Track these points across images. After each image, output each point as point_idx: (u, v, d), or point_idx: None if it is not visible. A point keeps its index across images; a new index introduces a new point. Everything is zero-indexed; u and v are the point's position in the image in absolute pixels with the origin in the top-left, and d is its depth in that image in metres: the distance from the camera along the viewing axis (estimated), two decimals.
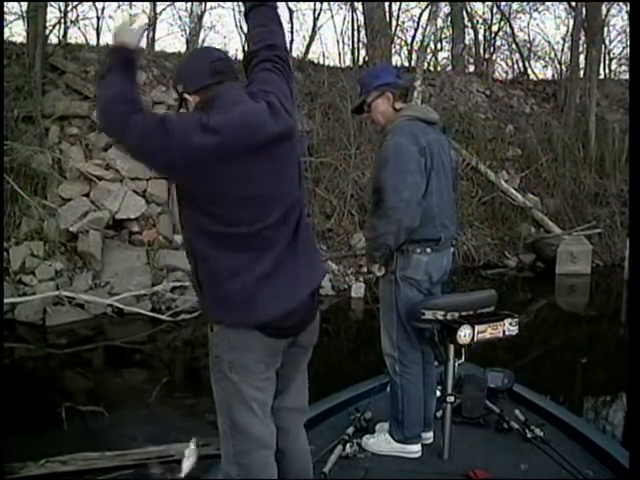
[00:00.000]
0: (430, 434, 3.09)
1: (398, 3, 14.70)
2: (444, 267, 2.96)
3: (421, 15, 14.97)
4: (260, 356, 2.04)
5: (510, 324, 2.85)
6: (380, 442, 3.03)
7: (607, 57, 16.33)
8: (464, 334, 2.75)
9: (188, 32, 13.31)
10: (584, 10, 13.39)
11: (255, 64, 2.11)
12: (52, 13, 12.13)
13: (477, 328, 2.77)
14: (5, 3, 9.14)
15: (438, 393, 3.14)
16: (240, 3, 13.39)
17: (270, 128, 1.92)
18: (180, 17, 16.38)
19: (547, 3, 15.80)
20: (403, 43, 15.37)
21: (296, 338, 2.13)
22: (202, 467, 2.71)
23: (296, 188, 2.08)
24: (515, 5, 15.82)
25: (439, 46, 15.50)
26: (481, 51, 15.80)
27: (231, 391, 2.06)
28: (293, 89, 2.12)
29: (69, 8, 11.39)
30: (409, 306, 2.87)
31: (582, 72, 13.45)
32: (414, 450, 2.97)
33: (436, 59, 15.27)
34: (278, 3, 2.33)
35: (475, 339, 2.77)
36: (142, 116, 1.86)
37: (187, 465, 2.58)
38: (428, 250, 2.84)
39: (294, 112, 2.05)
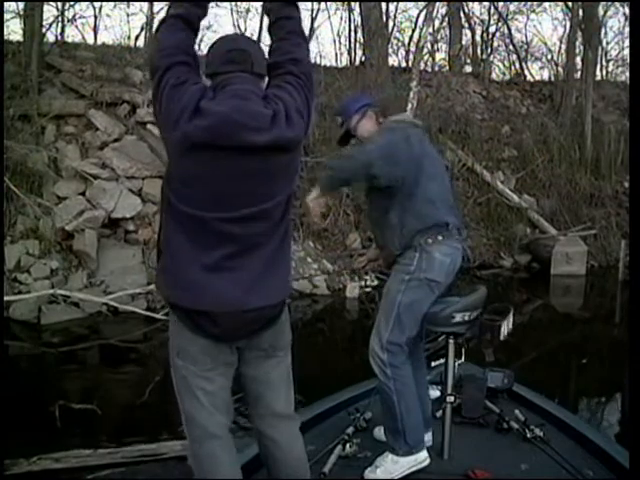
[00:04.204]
0: (429, 434, 3.04)
1: (395, 3, 14.74)
2: (457, 268, 2.89)
3: (418, 16, 15.04)
4: (203, 348, 2.04)
5: (512, 314, 3.10)
6: (387, 467, 2.78)
7: (604, 59, 16.42)
8: (504, 330, 2.91)
9: None
10: (581, 11, 13.42)
11: (277, 75, 2.04)
12: (49, 12, 12.12)
13: (507, 322, 2.98)
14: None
15: (438, 393, 3.12)
16: (238, 3, 13.39)
17: (261, 136, 1.88)
18: None
19: (544, 4, 15.87)
20: (400, 44, 15.42)
21: (250, 342, 2.08)
22: None
23: (275, 197, 2.00)
24: (512, 6, 15.89)
25: (436, 47, 15.57)
26: (478, 52, 15.85)
27: (179, 377, 2.10)
28: (313, 104, 2.03)
29: (66, 7, 11.37)
30: (417, 309, 2.78)
31: (579, 73, 13.48)
32: (423, 457, 2.82)
33: (433, 60, 15.33)
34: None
35: (507, 333, 2.97)
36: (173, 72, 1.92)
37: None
38: (440, 238, 2.78)
39: (302, 126, 1.98)
